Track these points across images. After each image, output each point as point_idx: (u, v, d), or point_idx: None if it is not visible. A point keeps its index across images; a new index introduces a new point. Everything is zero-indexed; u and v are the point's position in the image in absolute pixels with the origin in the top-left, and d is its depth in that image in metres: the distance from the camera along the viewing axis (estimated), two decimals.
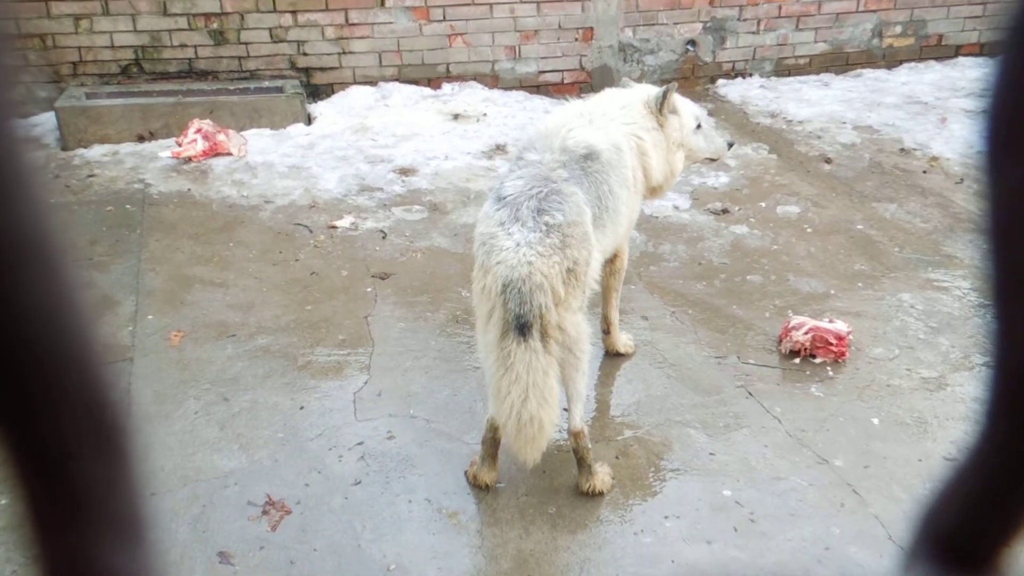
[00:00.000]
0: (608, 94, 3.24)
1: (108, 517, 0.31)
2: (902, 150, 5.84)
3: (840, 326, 3.55)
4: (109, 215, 4.80)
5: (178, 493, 2.79)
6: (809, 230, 4.71)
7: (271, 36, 6.33)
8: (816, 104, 6.65)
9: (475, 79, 6.74)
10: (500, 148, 5.79)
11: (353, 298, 3.99)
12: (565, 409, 2.75)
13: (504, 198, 2.62)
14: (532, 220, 2.54)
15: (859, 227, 4.74)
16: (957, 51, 7.56)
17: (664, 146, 3.19)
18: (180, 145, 5.50)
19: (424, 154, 5.64)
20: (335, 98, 6.41)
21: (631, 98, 3.18)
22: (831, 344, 3.49)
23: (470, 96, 6.54)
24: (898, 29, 7.44)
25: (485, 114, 6.30)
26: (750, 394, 3.33)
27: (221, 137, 5.55)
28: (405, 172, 5.41)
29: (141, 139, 5.72)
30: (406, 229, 4.70)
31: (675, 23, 7.00)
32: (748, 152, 5.80)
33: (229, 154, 5.51)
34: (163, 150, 5.56)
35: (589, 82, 6.88)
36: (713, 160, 3.50)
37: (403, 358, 3.53)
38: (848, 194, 5.18)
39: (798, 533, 2.67)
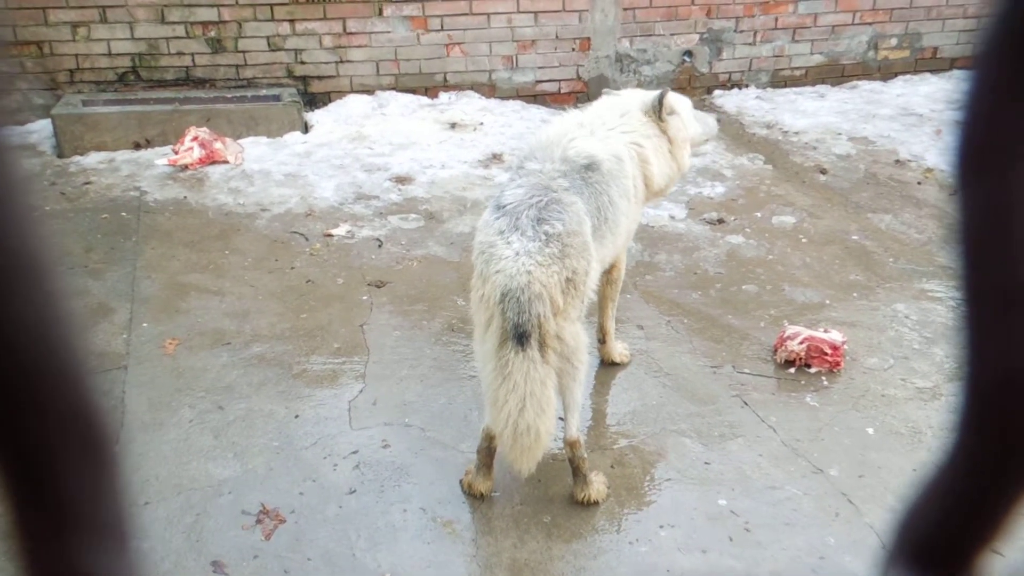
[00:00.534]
0: (605, 102, 3.23)
1: (93, 522, 0.31)
2: (897, 161, 5.86)
3: (835, 336, 3.55)
4: (104, 222, 4.80)
5: (172, 502, 2.78)
6: (804, 240, 4.72)
7: (269, 44, 6.34)
8: (812, 115, 6.68)
9: (472, 88, 6.76)
10: (497, 157, 5.80)
11: (349, 306, 3.99)
12: (561, 418, 2.75)
13: (504, 207, 2.62)
14: (532, 229, 2.54)
15: (854, 238, 4.75)
16: (952, 64, 7.61)
17: (666, 149, 3.19)
18: (176, 153, 5.50)
19: (421, 163, 5.65)
20: (332, 107, 6.42)
21: (629, 106, 3.17)
22: (826, 354, 3.49)
23: (467, 105, 6.56)
24: (893, 42, 7.48)
25: (482, 123, 6.31)
26: (745, 403, 3.33)
27: (218, 145, 5.55)
28: (401, 181, 5.42)
29: (137, 147, 5.72)
30: (402, 237, 4.70)
31: (672, 34, 7.03)
32: (744, 162, 5.82)
33: (226, 162, 5.51)
34: (159, 158, 5.56)
35: (586, 92, 6.90)
36: (707, 141, 3.58)
37: (399, 367, 3.53)
38: (843, 205, 5.20)
39: (793, 543, 2.67)
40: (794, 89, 7.30)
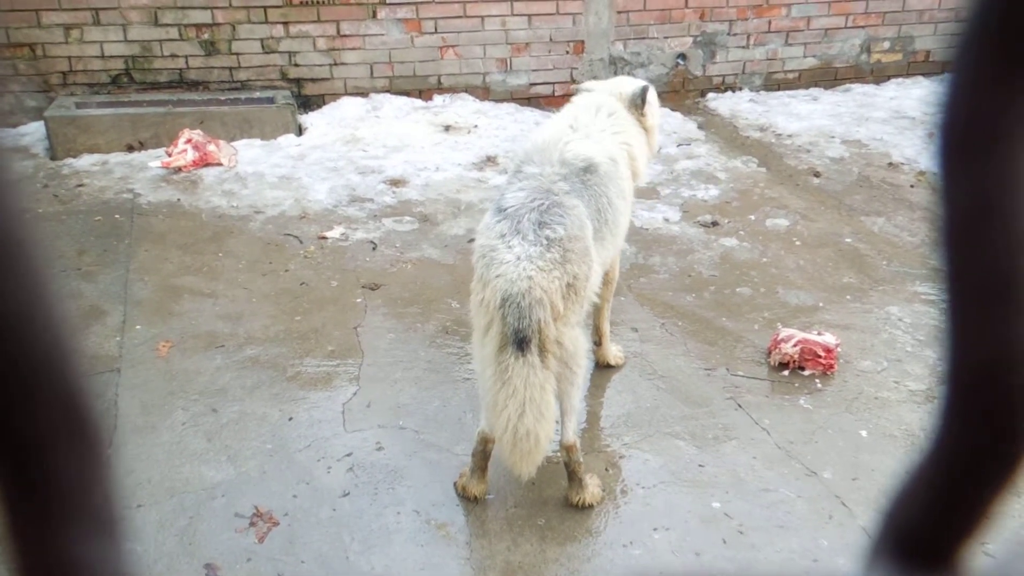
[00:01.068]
0: (584, 102, 3.19)
1: (85, 514, 0.31)
2: (890, 164, 5.88)
3: (829, 339, 3.56)
4: (97, 225, 4.78)
5: (165, 505, 2.78)
6: (798, 243, 4.73)
7: (262, 47, 6.34)
8: (805, 118, 6.70)
9: (466, 91, 6.76)
10: (491, 160, 5.80)
11: (343, 309, 3.99)
12: (557, 422, 2.75)
13: (505, 210, 2.60)
14: (533, 233, 2.52)
15: (847, 240, 4.77)
16: (944, 67, 7.59)
17: (645, 140, 3.27)
18: (170, 155, 5.49)
19: (415, 165, 5.65)
20: (326, 109, 6.42)
21: (613, 104, 3.18)
22: (820, 356, 3.50)
23: (461, 108, 6.56)
24: (886, 45, 7.52)
25: (476, 126, 6.32)
26: (739, 406, 3.33)
27: (211, 147, 5.54)
28: (396, 183, 5.42)
29: (131, 149, 5.71)
30: (396, 240, 4.70)
31: (666, 37, 7.05)
32: (738, 165, 5.83)
33: (219, 164, 5.50)
34: (153, 160, 5.55)
35: None
36: None
37: (393, 369, 3.52)
38: (837, 207, 5.22)
39: (786, 545, 2.67)
40: (787, 92, 7.32)
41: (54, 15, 5.95)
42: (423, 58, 6.64)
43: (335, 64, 6.50)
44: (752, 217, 5.04)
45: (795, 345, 3.52)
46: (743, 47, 7.24)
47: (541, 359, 2.50)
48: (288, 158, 5.69)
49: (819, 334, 3.60)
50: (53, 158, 5.58)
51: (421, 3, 6.46)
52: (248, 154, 5.68)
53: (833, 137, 6.34)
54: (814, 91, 7.35)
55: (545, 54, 6.85)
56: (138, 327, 3.78)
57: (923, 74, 7.59)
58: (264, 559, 2.57)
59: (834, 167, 5.85)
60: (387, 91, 6.63)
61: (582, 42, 6.88)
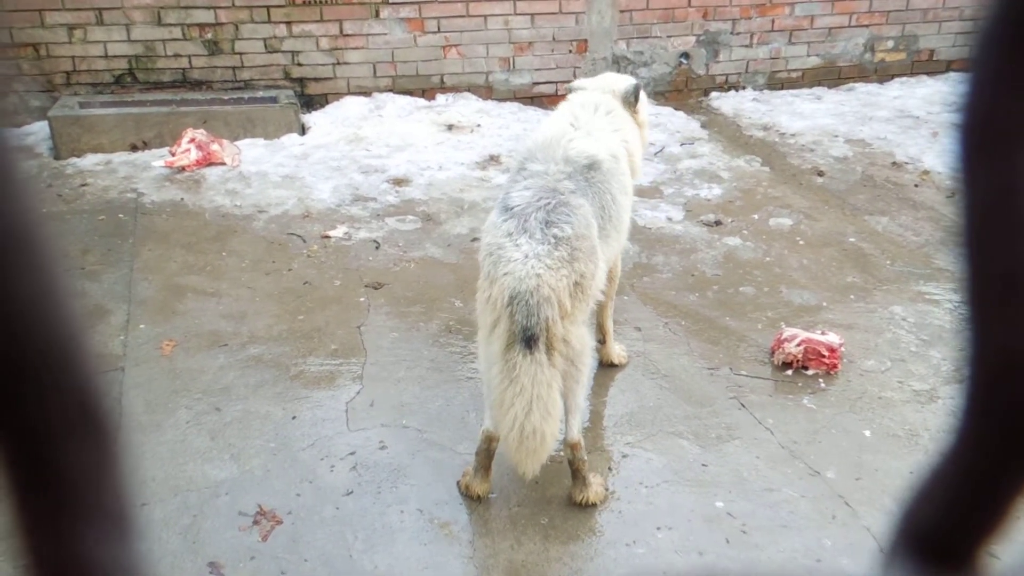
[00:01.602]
0: (586, 100, 3.18)
1: (96, 509, 0.31)
2: (894, 164, 5.87)
3: (832, 338, 3.56)
4: (101, 224, 4.79)
5: (169, 503, 2.78)
6: (801, 242, 4.72)
7: (265, 46, 6.34)
8: (809, 117, 6.69)
9: (469, 90, 6.76)
10: (494, 159, 5.80)
11: (346, 308, 3.99)
12: (561, 420, 2.75)
13: (511, 208, 2.60)
14: (540, 232, 2.52)
15: (851, 240, 4.76)
16: (948, 66, 7.62)
17: (639, 135, 3.29)
18: (173, 155, 5.49)
19: (418, 164, 5.65)
20: (329, 108, 6.42)
21: (610, 102, 3.18)
22: (823, 356, 3.50)
23: (464, 107, 6.56)
24: (890, 44, 7.50)
25: (479, 125, 6.32)
26: (742, 405, 3.33)
27: (215, 147, 5.55)
28: (399, 182, 5.42)
29: (134, 148, 5.71)
30: (399, 239, 4.70)
31: (669, 36, 7.04)
32: (741, 164, 5.83)
33: (223, 164, 5.51)
34: (156, 159, 5.55)
35: None
36: None
37: (396, 368, 3.53)
38: (840, 207, 5.21)
39: (790, 544, 2.67)
40: (791, 91, 7.31)
41: (58, 15, 5.96)
42: (426, 57, 6.64)
43: (338, 63, 6.50)
44: (755, 216, 5.04)
45: (799, 344, 3.52)
46: (746, 46, 7.23)
47: (548, 357, 2.50)
48: (291, 157, 5.69)
49: (823, 334, 3.60)
50: (57, 158, 5.59)
51: (424, 2, 6.47)
52: (251, 153, 5.69)
53: (837, 136, 6.33)
54: (818, 90, 7.34)
55: (548, 53, 6.85)
56: (142, 326, 3.79)
57: (927, 73, 7.57)
58: (267, 557, 2.58)
59: (838, 166, 5.84)
60: (390, 90, 6.63)
61: (585, 41, 6.87)
